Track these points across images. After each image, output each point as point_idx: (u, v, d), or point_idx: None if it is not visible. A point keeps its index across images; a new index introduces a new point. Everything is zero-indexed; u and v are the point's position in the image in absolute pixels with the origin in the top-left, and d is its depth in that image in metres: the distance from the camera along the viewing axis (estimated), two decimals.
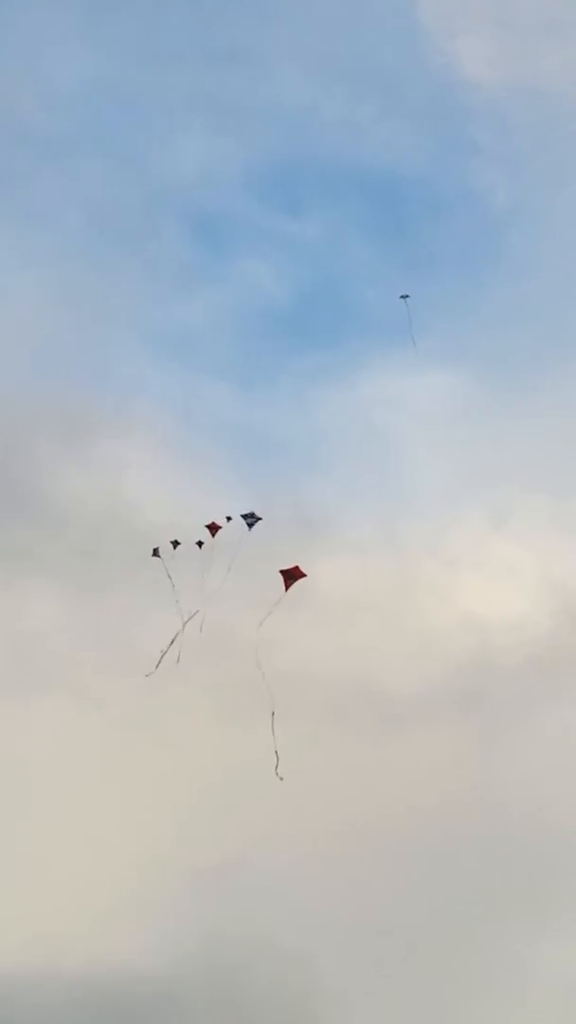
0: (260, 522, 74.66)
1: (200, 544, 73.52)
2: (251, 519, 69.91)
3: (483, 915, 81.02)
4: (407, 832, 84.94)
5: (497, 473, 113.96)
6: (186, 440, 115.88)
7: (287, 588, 67.97)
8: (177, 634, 74.44)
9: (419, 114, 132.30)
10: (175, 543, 73.65)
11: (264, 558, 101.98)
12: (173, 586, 74.54)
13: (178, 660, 74.97)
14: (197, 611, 72.54)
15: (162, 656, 74.72)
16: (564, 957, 79.40)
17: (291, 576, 67.75)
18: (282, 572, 68.01)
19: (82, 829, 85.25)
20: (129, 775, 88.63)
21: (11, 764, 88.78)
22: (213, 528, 72.51)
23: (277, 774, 71.96)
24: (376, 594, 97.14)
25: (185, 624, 72.81)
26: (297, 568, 67.57)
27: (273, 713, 73.09)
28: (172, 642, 74.54)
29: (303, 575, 67.79)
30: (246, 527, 72.01)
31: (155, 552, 74.51)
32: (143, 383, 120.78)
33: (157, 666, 74.19)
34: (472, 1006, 77.08)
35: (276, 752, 72.48)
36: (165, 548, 74.24)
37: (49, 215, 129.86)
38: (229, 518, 73.18)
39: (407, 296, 78.34)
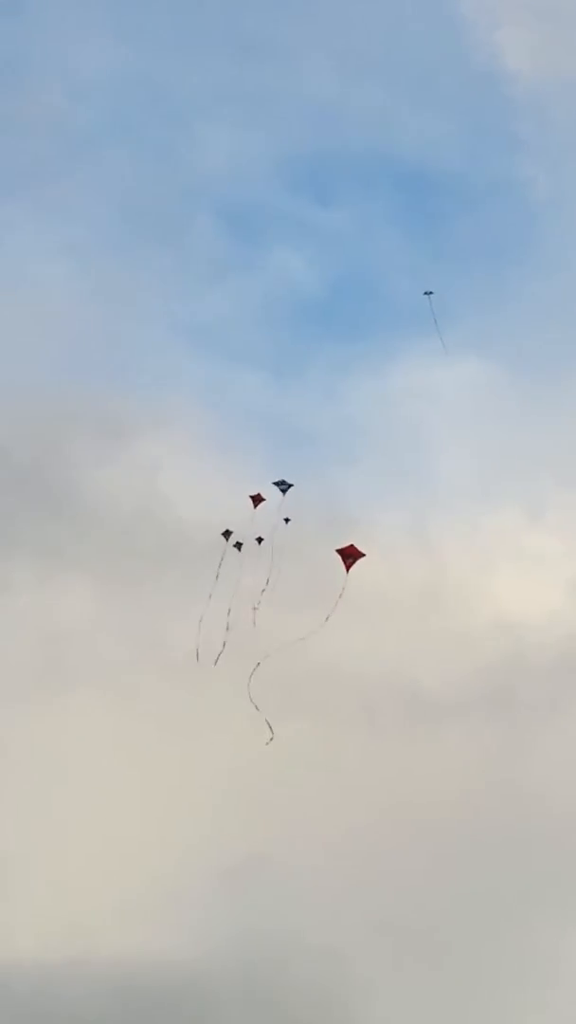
0: (291, 521, 75.31)
1: (260, 540, 74.28)
2: (284, 486, 70.11)
3: (513, 908, 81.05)
4: (437, 828, 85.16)
5: (531, 466, 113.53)
6: (218, 431, 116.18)
7: (348, 568, 66.97)
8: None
9: (456, 106, 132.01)
10: (238, 544, 74.43)
11: (294, 553, 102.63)
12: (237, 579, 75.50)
13: (221, 651, 75.70)
14: (259, 603, 72.48)
15: (221, 650, 75.37)
16: None
17: (348, 556, 66.65)
18: (339, 552, 66.97)
19: (114, 823, 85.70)
20: (161, 770, 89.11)
21: (44, 758, 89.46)
22: (256, 499, 73.11)
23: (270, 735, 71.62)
24: (407, 590, 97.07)
25: (255, 607, 72.44)
26: (353, 547, 66.61)
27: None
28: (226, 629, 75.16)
29: (361, 554, 66.79)
30: (280, 494, 72.61)
31: (226, 534, 75.56)
32: (175, 374, 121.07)
33: (216, 659, 74.45)
34: (503, 997, 77.27)
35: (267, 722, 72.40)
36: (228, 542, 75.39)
37: (79, 207, 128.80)
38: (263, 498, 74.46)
39: (431, 293, 78.48)
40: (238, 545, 74.58)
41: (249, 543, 74.06)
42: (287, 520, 75.30)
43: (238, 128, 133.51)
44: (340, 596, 68.34)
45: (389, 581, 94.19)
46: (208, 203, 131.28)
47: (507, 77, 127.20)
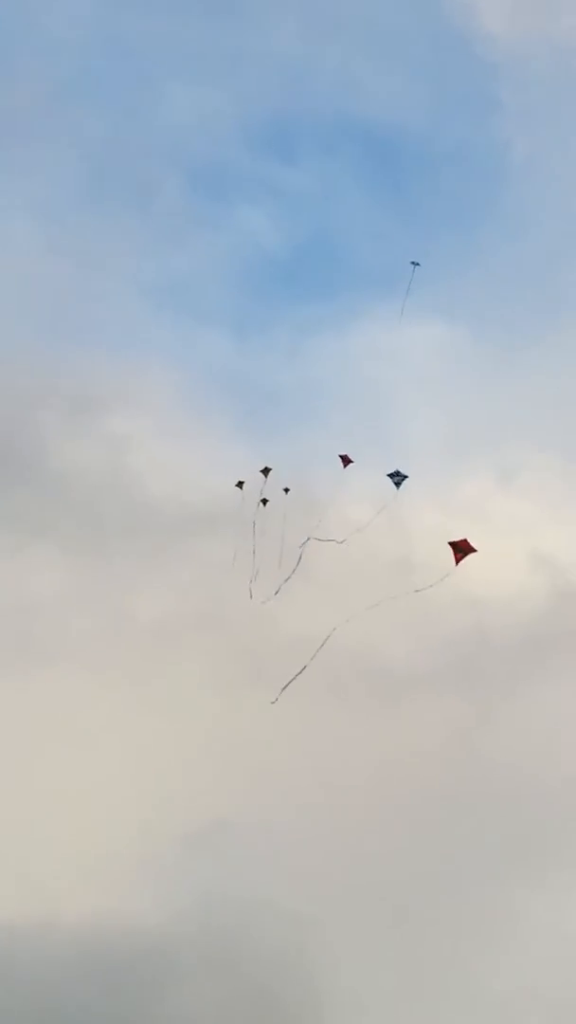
0: (266, 483, 76.69)
1: (287, 490, 77.77)
2: (397, 478, 70.73)
3: (479, 874, 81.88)
4: (402, 796, 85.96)
5: (499, 430, 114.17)
6: (183, 392, 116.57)
7: (457, 562, 66.84)
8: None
9: (429, 67, 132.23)
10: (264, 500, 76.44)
11: (267, 526, 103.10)
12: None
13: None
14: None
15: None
16: (558, 911, 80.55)
17: (460, 549, 66.41)
18: (451, 544, 66.76)
19: (82, 789, 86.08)
20: (129, 737, 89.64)
21: (13, 727, 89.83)
22: (345, 460, 75.56)
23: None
24: (375, 561, 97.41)
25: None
26: (466, 541, 66.35)
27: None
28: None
29: (473, 549, 66.51)
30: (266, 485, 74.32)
31: (239, 484, 77.34)
32: (140, 333, 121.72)
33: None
34: (470, 962, 78.00)
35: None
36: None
37: (44, 165, 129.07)
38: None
39: (417, 264, 79.19)
40: (266, 471, 78.00)
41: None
42: (287, 490, 79.32)
43: (205, 87, 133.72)
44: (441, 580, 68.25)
45: (356, 551, 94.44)
46: (174, 162, 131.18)
47: (484, 39, 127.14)
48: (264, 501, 79.82)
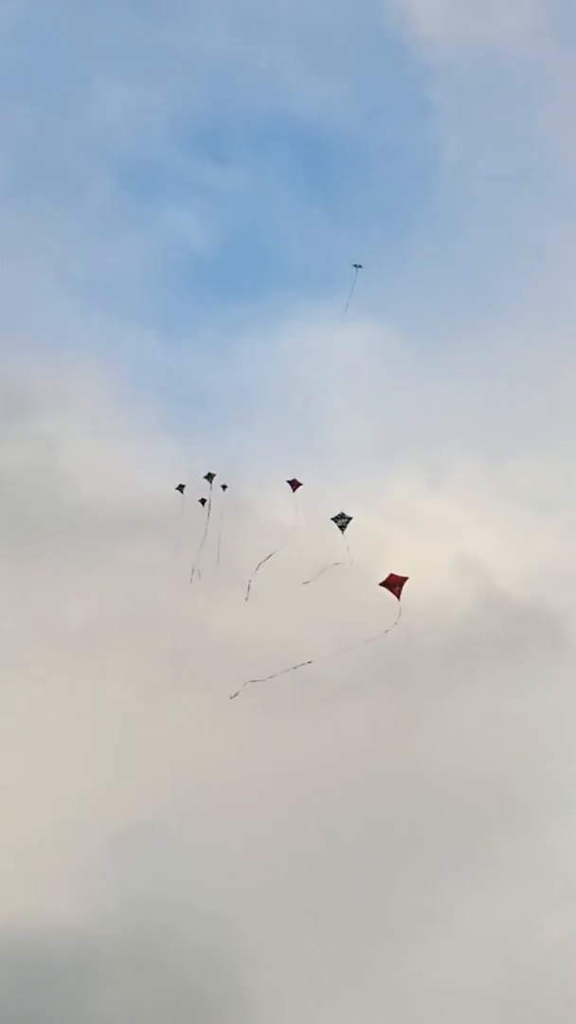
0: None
1: (224, 487, 78.65)
2: (343, 520, 70.63)
3: (405, 873, 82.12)
4: (329, 798, 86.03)
5: (428, 431, 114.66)
6: (112, 391, 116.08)
7: (398, 596, 66.55)
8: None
9: (361, 68, 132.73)
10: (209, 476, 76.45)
11: (191, 529, 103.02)
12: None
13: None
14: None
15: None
16: (485, 911, 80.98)
17: (393, 584, 66.21)
18: (383, 585, 66.31)
19: (5, 789, 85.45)
20: (53, 738, 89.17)
21: None
22: (294, 484, 75.93)
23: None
24: (302, 563, 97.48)
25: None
26: (393, 575, 66.22)
27: None
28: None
29: (404, 579, 65.95)
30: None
31: (180, 488, 77.75)
32: (68, 331, 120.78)
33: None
34: (396, 961, 77.99)
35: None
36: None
37: None
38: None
39: (360, 266, 79.83)
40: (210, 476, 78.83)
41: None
42: (224, 487, 79.71)
43: (134, 85, 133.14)
44: (395, 622, 68.14)
45: (284, 553, 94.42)
46: (103, 159, 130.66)
47: (418, 41, 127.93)
48: (203, 501, 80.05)
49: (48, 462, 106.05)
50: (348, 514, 70.65)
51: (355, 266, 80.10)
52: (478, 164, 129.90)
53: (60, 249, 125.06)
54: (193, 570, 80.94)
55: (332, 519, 70.53)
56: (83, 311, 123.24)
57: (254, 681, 70.77)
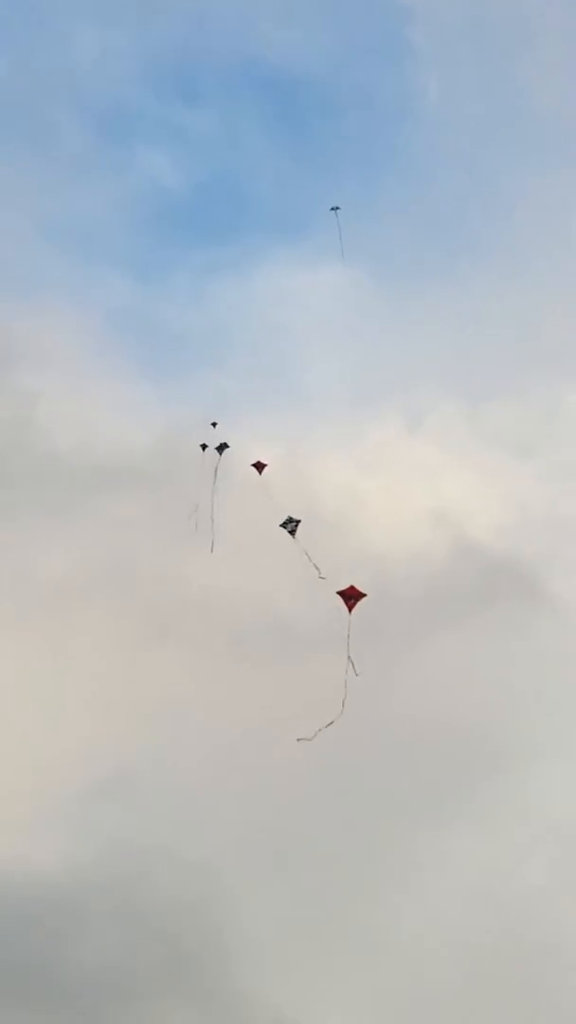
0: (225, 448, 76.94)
1: (215, 424, 78.40)
2: (291, 524, 70.32)
3: (387, 821, 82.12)
4: (309, 747, 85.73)
5: (400, 376, 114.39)
6: (87, 332, 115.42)
7: (351, 609, 66.46)
8: None
9: (340, 10, 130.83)
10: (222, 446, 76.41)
11: (170, 484, 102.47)
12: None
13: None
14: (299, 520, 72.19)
15: None
16: (467, 856, 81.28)
17: (350, 597, 65.98)
18: (340, 594, 66.38)
19: None
20: (30, 691, 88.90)
21: None
22: (259, 467, 75.82)
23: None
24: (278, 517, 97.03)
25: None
26: (354, 588, 65.94)
27: None
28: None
29: (362, 594, 66.18)
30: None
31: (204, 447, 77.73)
32: (42, 276, 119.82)
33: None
34: (378, 907, 78.15)
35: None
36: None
37: None
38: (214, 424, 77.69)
39: (337, 208, 79.42)
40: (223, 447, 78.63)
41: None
42: (214, 424, 79.48)
43: (107, 27, 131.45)
44: (348, 637, 67.85)
45: (259, 506, 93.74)
46: (76, 103, 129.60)
47: None
48: (203, 446, 79.68)
49: (26, 414, 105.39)
50: (295, 517, 70.21)
51: (333, 209, 79.79)
52: (457, 108, 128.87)
53: (33, 194, 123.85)
54: (191, 518, 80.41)
55: (281, 525, 70.21)
56: (57, 256, 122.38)
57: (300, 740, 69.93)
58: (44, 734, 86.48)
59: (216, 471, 79.93)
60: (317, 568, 71.35)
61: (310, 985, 75.39)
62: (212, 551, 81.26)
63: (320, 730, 69.90)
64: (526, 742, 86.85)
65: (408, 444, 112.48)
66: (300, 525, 74.11)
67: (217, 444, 79.69)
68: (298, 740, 66.73)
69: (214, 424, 79.55)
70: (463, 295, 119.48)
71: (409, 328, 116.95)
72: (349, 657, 68.77)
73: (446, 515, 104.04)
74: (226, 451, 79.66)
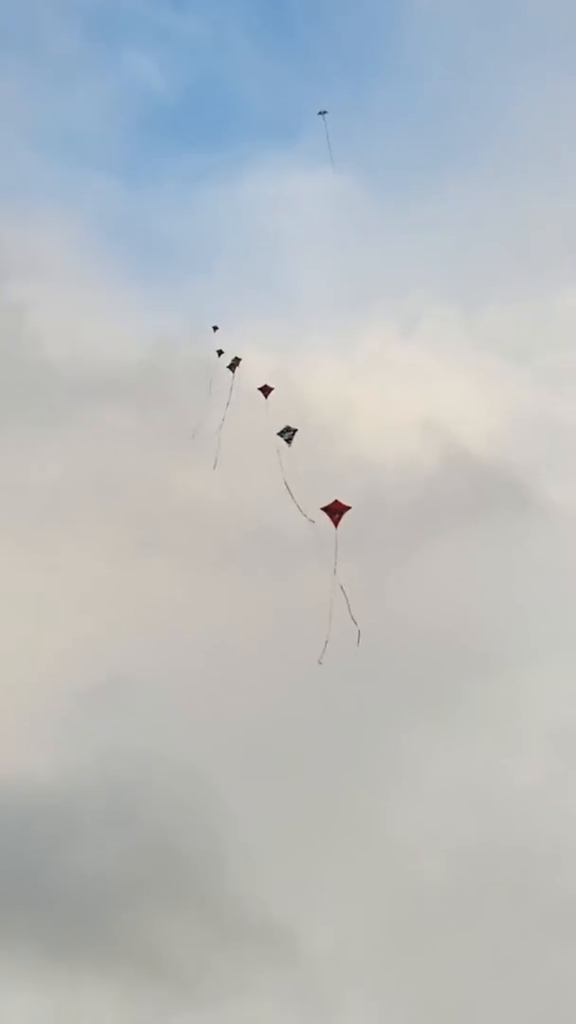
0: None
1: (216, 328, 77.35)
2: (287, 433, 69.51)
3: (378, 725, 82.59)
4: (298, 652, 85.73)
5: (393, 281, 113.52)
6: (75, 237, 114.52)
7: (336, 524, 65.81)
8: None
9: None
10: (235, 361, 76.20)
11: (165, 391, 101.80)
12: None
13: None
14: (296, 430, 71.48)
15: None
16: (457, 759, 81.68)
17: (334, 511, 65.39)
18: (324, 510, 65.30)
19: None
20: (23, 598, 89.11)
21: None
22: (266, 390, 74.45)
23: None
24: (268, 425, 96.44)
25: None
26: (338, 502, 65.06)
27: None
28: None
29: (347, 507, 64.98)
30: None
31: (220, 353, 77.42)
32: (30, 181, 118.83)
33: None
34: (369, 810, 78.67)
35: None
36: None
37: None
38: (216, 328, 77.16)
39: (325, 112, 78.29)
40: (236, 362, 77.71)
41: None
42: (215, 328, 78.63)
43: None
44: (336, 550, 66.99)
45: (249, 415, 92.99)
46: (61, 3, 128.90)
47: None
48: (220, 352, 78.89)
49: (15, 323, 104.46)
50: (293, 427, 69.48)
51: (320, 113, 78.67)
52: (448, 9, 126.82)
53: (18, 98, 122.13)
54: (194, 435, 79.98)
55: (278, 433, 69.39)
56: (44, 161, 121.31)
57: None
58: (38, 642, 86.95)
59: (231, 389, 79.33)
60: (303, 512, 70.91)
61: (302, 889, 76.21)
62: (215, 467, 79.95)
63: (323, 651, 68.50)
64: (518, 646, 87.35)
65: (401, 350, 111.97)
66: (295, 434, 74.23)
67: (231, 360, 78.87)
68: (319, 663, 65.70)
69: (215, 328, 78.73)
70: (456, 199, 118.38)
71: (401, 233, 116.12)
72: (335, 571, 67.73)
73: (439, 422, 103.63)
74: (221, 359, 79.21)
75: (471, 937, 73.05)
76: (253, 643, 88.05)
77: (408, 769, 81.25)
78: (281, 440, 69.81)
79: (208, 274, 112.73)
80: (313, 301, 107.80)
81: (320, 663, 68.80)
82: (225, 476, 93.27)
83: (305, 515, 69.12)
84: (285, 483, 71.73)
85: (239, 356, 78.86)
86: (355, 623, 67.60)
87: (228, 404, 78.76)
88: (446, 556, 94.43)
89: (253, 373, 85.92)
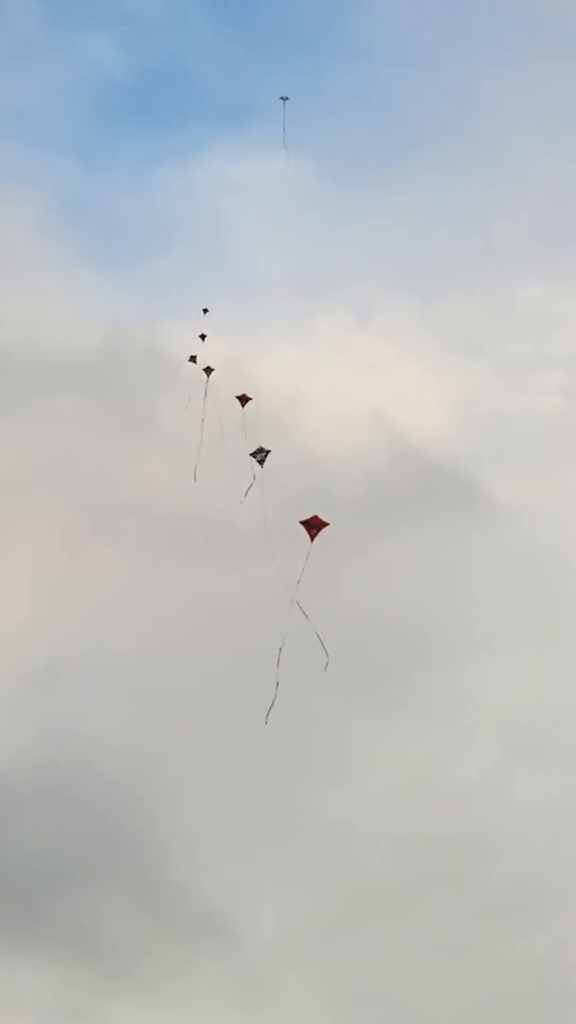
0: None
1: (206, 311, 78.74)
2: (260, 455, 68.96)
3: (321, 708, 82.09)
4: (248, 641, 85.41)
5: (347, 269, 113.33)
6: (30, 218, 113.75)
7: (313, 539, 65.24)
8: None
9: None
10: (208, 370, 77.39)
11: (113, 381, 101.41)
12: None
13: None
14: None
15: None
16: (406, 749, 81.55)
17: (313, 527, 64.91)
18: (303, 523, 65.19)
19: None
20: None
21: None
22: (244, 400, 74.67)
23: None
24: (220, 416, 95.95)
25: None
26: (317, 517, 64.72)
27: None
28: None
29: (325, 523, 64.87)
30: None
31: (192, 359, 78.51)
32: None
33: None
34: (316, 799, 78.53)
35: None
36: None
37: None
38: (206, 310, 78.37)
39: (287, 98, 78.16)
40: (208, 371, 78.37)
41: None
42: (205, 310, 79.92)
43: None
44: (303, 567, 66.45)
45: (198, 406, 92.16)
46: None
47: None
48: (203, 336, 79.91)
49: None
50: (266, 447, 69.05)
51: (282, 98, 78.54)
52: None
53: None
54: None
55: (251, 454, 68.72)
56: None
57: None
58: None
59: (206, 392, 79.14)
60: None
61: (243, 875, 75.83)
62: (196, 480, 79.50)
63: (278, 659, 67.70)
64: (466, 638, 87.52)
65: (357, 339, 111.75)
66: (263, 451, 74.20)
67: (204, 366, 79.61)
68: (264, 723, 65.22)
69: (205, 310, 79.50)
70: (414, 189, 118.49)
71: (359, 222, 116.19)
72: (299, 582, 67.18)
73: (391, 413, 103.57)
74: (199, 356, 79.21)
75: (412, 925, 72.89)
76: (200, 632, 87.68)
77: (354, 758, 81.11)
78: (261, 455, 69.23)
79: (163, 257, 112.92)
80: (268, 287, 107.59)
81: (277, 665, 67.62)
82: (177, 465, 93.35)
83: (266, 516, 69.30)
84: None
85: (211, 366, 79.30)
86: (325, 652, 66.01)
87: (204, 407, 78.89)
88: (395, 548, 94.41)
89: (207, 358, 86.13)
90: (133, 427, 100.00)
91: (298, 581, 65.50)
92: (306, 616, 66.51)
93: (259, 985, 71.61)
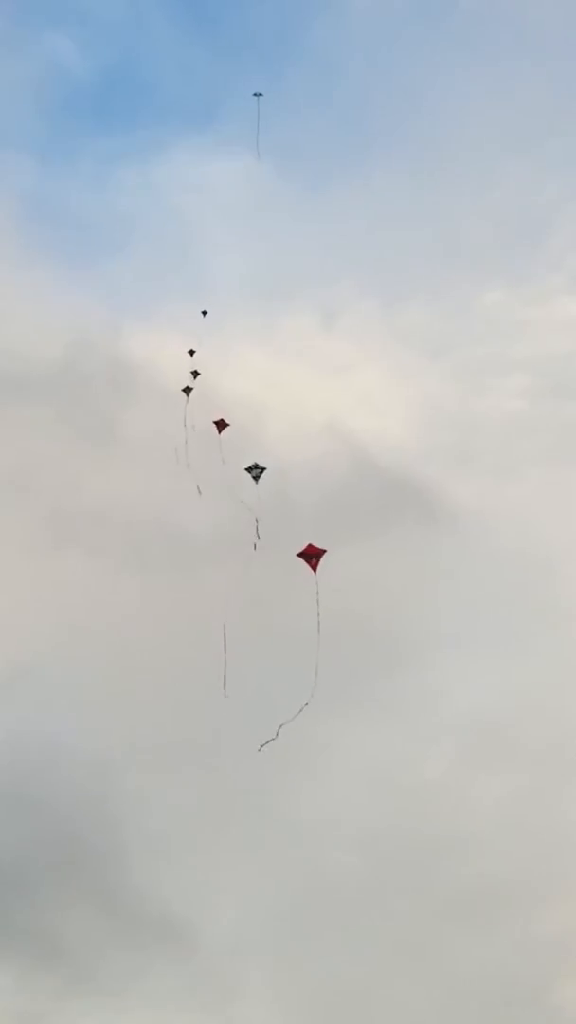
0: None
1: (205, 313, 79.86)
2: (256, 471, 68.94)
3: (282, 715, 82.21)
4: (208, 645, 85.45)
5: (316, 273, 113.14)
6: None
7: (315, 569, 65.09)
8: None
9: None
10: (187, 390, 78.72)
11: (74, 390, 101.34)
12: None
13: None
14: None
15: None
16: (366, 748, 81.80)
17: (311, 556, 64.56)
18: (300, 555, 64.49)
19: None
20: None
21: None
22: (221, 425, 76.01)
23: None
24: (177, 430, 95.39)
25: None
26: (312, 546, 64.33)
27: None
28: None
29: (322, 551, 64.41)
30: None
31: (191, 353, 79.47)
32: None
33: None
34: (278, 798, 78.41)
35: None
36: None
37: None
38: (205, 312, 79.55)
39: (260, 94, 78.30)
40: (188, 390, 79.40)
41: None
42: (204, 312, 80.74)
43: None
44: (317, 601, 66.53)
45: (161, 412, 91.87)
46: None
47: None
48: (191, 352, 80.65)
49: None
50: (261, 464, 69.07)
51: (255, 94, 78.62)
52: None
53: None
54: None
55: (246, 469, 68.90)
56: None
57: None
58: None
59: (185, 412, 79.39)
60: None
61: (204, 878, 76.13)
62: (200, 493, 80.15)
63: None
64: (427, 642, 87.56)
65: (321, 342, 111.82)
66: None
67: (184, 386, 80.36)
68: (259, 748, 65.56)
69: (204, 312, 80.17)
70: (379, 192, 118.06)
71: (319, 225, 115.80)
72: (318, 621, 67.53)
73: (354, 416, 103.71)
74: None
75: (370, 925, 73.18)
76: (159, 638, 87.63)
77: (316, 760, 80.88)
78: (256, 471, 69.33)
79: (124, 257, 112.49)
80: (229, 289, 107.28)
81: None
82: (136, 475, 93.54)
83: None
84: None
85: (191, 385, 79.79)
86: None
87: (187, 427, 79.19)
88: (358, 551, 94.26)
89: (169, 361, 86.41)
90: (95, 434, 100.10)
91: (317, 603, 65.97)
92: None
93: (220, 986, 71.83)
